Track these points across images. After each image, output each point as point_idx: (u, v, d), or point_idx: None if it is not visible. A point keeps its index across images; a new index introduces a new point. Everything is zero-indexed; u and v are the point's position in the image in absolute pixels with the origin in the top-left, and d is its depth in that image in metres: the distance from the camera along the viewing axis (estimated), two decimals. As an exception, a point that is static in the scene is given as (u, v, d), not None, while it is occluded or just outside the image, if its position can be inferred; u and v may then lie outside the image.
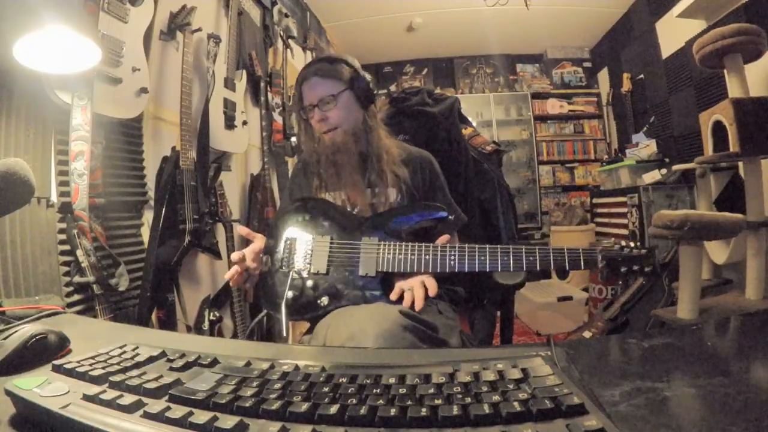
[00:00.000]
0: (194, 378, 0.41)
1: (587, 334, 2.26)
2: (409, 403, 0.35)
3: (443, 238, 0.89)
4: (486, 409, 0.33)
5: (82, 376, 0.42)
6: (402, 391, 0.37)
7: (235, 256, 0.92)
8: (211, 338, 1.46)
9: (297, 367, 0.42)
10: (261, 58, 2.47)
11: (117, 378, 0.41)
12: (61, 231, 1.21)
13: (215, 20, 2.09)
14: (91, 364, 0.44)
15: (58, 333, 0.53)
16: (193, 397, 0.37)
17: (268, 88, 2.47)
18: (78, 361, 0.44)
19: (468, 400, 0.35)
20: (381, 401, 0.35)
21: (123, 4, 1.36)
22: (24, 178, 0.70)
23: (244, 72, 2.19)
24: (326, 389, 0.38)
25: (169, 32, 1.70)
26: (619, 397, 0.37)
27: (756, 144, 1.74)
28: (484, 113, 4.75)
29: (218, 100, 1.92)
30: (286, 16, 2.76)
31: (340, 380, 0.39)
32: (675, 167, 2.70)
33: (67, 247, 1.21)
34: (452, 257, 0.85)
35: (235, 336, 1.93)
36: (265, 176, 2.31)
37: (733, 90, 1.91)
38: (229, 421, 0.34)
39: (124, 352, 0.48)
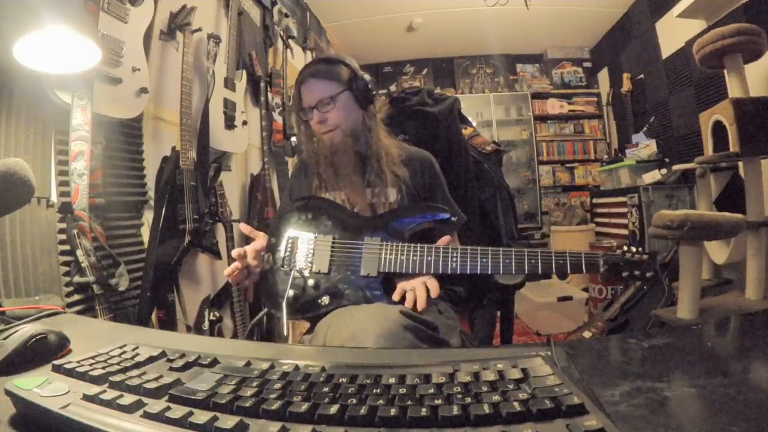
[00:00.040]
0: (194, 378, 0.41)
1: (587, 334, 2.26)
2: (409, 403, 0.35)
3: (444, 239, 0.89)
4: (486, 409, 0.33)
5: (82, 376, 0.42)
6: (402, 391, 0.37)
7: (236, 252, 0.92)
8: (211, 338, 1.46)
9: (297, 367, 0.42)
10: (261, 58, 2.47)
11: (117, 378, 0.41)
12: (61, 231, 1.21)
13: (215, 20, 2.09)
14: (91, 364, 0.44)
15: (58, 333, 0.53)
16: (193, 397, 0.37)
17: (268, 88, 2.47)
18: (78, 361, 0.44)
19: (468, 400, 0.35)
20: (381, 401, 0.35)
21: (123, 4, 1.36)
22: (24, 178, 0.70)
23: (244, 72, 2.19)
24: (326, 389, 0.38)
25: (169, 32, 1.70)
26: (619, 397, 0.37)
27: (756, 144, 1.74)
28: (484, 113, 4.75)
29: (218, 100, 1.92)
30: (286, 16, 2.76)
31: (340, 380, 0.39)
32: (675, 167, 2.70)
33: (67, 247, 1.21)
34: (455, 259, 0.85)
35: (235, 336, 1.93)
36: (265, 176, 2.31)
37: (733, 90, 1.91)
38: (229, 421, 0.34)
39: (124, 352, 0.48)
